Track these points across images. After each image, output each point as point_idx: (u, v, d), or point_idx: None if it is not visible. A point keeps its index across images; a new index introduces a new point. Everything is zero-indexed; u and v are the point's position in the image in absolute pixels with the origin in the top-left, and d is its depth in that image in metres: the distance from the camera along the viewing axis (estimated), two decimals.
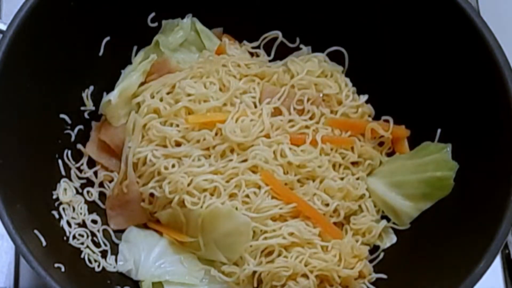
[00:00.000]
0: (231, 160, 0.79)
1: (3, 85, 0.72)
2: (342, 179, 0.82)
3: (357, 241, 0.81)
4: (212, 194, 0.78)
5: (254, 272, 0.78)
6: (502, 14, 0.99)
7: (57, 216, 0.79)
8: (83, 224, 0.82)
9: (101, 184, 0.85)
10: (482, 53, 0.74)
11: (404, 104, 0.84)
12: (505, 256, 0.90)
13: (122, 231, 0.83)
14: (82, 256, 0.79)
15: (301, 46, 0.88)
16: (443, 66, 0.80)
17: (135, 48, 0.87)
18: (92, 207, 0.84)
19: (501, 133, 0.74)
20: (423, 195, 0.80)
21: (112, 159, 0.85)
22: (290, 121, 0.82)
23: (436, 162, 0.79)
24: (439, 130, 0.81)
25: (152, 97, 0.83)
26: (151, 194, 0.81)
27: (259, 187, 0.79)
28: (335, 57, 0.87)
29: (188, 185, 0.78)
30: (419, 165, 0.80)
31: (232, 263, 0.79)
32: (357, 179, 0.83)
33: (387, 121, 0.85)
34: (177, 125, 0.81)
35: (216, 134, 0.80)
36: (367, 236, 0.82)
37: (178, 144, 0.81)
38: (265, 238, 0.77)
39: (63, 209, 0.80)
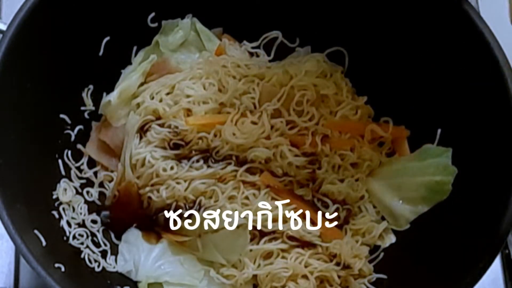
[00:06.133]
0: (229, 163, 0.79)
1: (3, 85, 0.72)
2: (341, 180, 0.82)
3: (357, 241, 0.81)
4: (210, 197, 0.78)
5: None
6: (502, 14, 0.98)
7: (57, 216, 0.79)
8: (83, 224, 0.82)
9: (101, 184, 0.85)
10: (482, 53, 0.74)
11: (404, 105, 0.84)
12: (505, 256, 0.90)
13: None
14: (82, 256, 0.79)
15: (299, 48, 0.88)
16: (443, 66, 0.79)
17: (135, 48, 0.87)
18: (92, 207, 0.84)
19: (500, 133, 0.74)
20: (421, 198, 0.80)
21: (112, 159, 0.85)
22: (289, 122, 0.82)
23: (436, 166, 0.79)
24: (439, 131, 0.81)
25: (152, 98, 0.83)
26: (149, 197, 0.81)
27: (259, 189, 0.79)
28: (335, 57, 0.87)
29: (185, 190, 0.78)
30: (419, 168, 0.80)
31: (231, 265, 0.79)
32: (357, 180, 0.83)
33: (386, 122, 0.85)
34: (176, 127, 0.81)
35: (215, 135, 0.80)
36: (366, 237, 0.82)
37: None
38: (265, 242, 0.78)
39: (63, 209, 0.80)
